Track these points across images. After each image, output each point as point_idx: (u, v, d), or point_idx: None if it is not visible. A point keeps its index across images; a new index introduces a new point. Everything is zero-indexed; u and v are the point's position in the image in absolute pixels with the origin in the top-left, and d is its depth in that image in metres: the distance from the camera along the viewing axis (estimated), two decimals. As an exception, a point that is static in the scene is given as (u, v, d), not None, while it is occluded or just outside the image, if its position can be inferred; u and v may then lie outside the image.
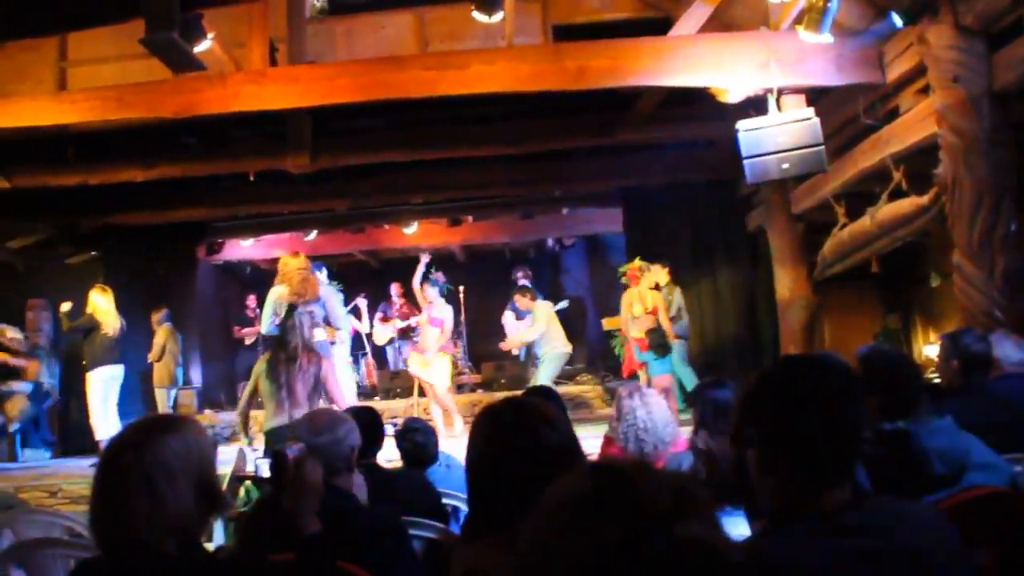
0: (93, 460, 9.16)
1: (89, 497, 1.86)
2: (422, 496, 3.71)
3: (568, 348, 9.61)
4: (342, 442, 2.76)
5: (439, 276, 10.32)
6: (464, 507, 4.05)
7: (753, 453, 1.67)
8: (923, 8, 6.14)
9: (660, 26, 7.66)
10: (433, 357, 9.27)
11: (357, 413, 3.88)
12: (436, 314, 9.40)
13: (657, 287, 9.41)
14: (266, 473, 2.15)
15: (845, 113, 7.69)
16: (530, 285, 10.86)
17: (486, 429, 1.98)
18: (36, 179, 9.17)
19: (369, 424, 3.77)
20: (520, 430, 1.91)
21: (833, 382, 1.65)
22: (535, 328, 9.64)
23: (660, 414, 4.03)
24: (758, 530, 1.65)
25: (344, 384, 8.21)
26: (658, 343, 8.65)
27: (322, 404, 6.35)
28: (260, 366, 6.66)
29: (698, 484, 1.00)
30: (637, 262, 9.34)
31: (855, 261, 8.37)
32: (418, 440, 4.28)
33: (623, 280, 9.49)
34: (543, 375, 9.31)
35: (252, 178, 10.15)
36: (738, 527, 2.41)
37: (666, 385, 8.52)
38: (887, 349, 3.49)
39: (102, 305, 9.15)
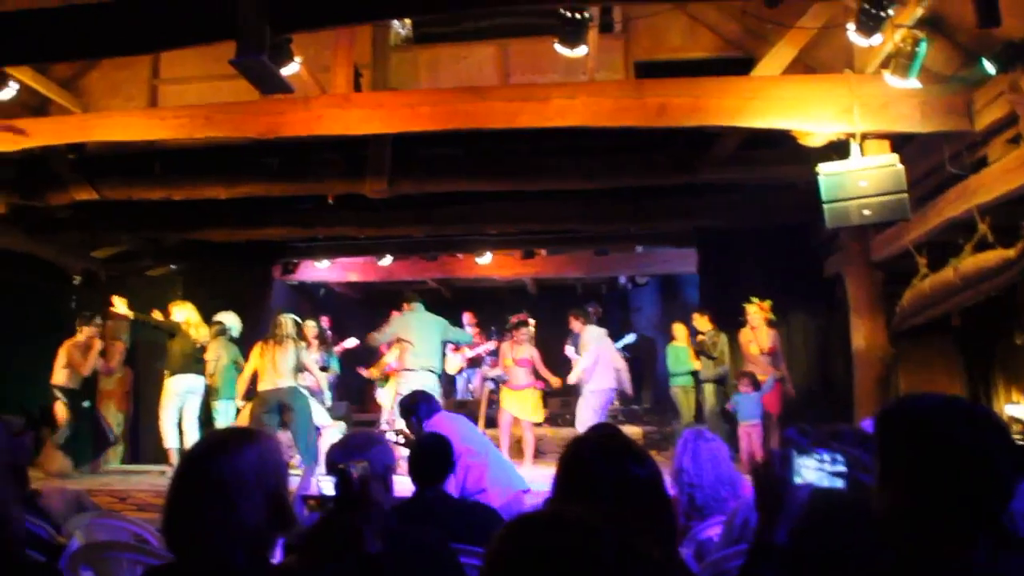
0: (162, 467, 9.33)
1: (164, 503, 1.89)
2: (489, 526, 3.70)
3: (612, 384, 9.53)
4: (389, 463, 2.78)
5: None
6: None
7: (887, 496, 1.61)
8: (1016, 55, 5.98)
9: (741, 66, 7.60)
10: (524, 392, 9.99)
11: (428, 440, 3.92)
12: (521, 355, 10.16)
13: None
14: (329, 491, 2.15)
15: (930, 161, 7.50)
16: (587, 308, 10.91)
17: (573, 459, 1.98)
18: (123, 192, 9.38)
19: (440, 452, 3.80)
20: (607, 462, 1.90)
21: (993, 431, 1.59)
22: (584, 358, 9.70)
23: (710, 466, 3.65)
24: None
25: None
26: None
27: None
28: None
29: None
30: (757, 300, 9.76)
31: (935, 313, 8.15)
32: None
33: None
34: (582, 412, 9.29)
35: (331, 201, 10.29)
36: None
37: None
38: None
39: (193, 319, 9.53)
